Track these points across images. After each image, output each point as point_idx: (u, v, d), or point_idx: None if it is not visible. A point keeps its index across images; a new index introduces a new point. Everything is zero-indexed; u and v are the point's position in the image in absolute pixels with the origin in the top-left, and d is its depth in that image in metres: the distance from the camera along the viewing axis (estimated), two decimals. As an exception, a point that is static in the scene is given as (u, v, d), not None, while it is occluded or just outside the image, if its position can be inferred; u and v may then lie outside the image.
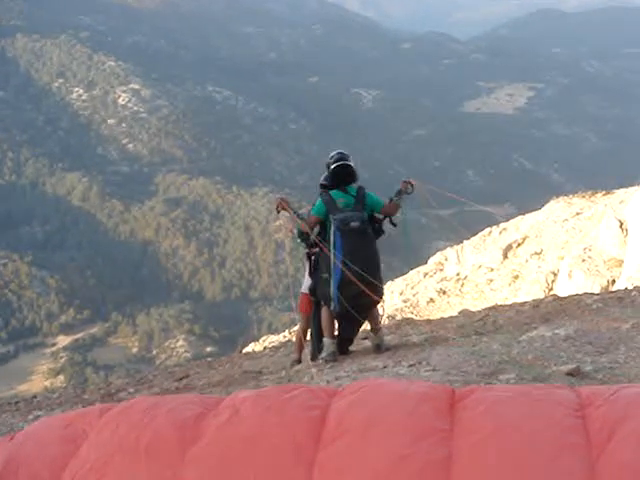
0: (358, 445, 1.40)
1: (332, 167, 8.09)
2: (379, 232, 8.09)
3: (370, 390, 1.53)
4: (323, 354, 8.09)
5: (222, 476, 1.42)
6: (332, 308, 7.81)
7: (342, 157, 8.14)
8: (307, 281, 8.77)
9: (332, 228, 7.76)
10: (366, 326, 8.58)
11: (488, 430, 1.38)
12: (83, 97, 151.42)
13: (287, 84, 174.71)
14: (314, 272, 8.18)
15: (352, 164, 8.15)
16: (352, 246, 7.67)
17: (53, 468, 1.55)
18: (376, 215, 8.05)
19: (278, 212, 8.44)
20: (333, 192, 7.99)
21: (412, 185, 8.16)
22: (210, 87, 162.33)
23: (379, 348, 8.07)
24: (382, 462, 1.36)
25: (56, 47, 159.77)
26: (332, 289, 7.70)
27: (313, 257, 8.30)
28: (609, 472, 1.27)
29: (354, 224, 7.75)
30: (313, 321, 8.65)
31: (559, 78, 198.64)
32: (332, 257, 7.64)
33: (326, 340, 8.10)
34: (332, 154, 8.25)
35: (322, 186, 8.48)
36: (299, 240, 8.39)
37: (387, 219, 8.13)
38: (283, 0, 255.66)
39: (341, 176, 8.05)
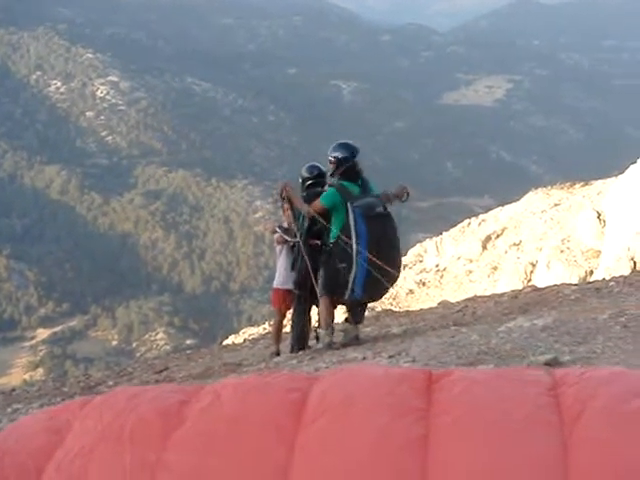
0: (338, 424, 1.43)
1: (346, 165, 7.86)
2: None
3: (349, 373, 1.58)
4: (319, 345, 8.03)
5: (205, 456, 1.45)
6: (347, 297, 7.63)
7: (354, 154, 7.96)
8: (282, 275, 8.63)
9: (352, 216, 7.51)
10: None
11: (462, 410, 1.41)
12: (61, 90, 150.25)
13: (266, 76, 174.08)
14: (327, 263, 7.77)
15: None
16: (379, 232, 7.53)
17: (38, 458, 1.58)
18: None
19: (282, 198, 8.21)
20: (344, 183, 7.80)
21: (408, 194, 8.02)
22: (189, 79, 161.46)
23: (358, 339, 8.02)
24: (362, 439, 1.39)
25: (34, 39, 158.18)
26: (355, 278, 7.45)
27: (299, 249, 8.11)
28: (579, 447, 1.31)
29: (379, 209, 7.63)
30: (295, 314, 8.52)
31: (538, 70, 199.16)
32: (354, 246, 7.41)
33: (321, 331, 8.02)
34: (339, 146, 8.02)
35: (307, 179, 8.42)
36: (297, 230, 8.08)
37: None
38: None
39: (352, 172, 7.89)
